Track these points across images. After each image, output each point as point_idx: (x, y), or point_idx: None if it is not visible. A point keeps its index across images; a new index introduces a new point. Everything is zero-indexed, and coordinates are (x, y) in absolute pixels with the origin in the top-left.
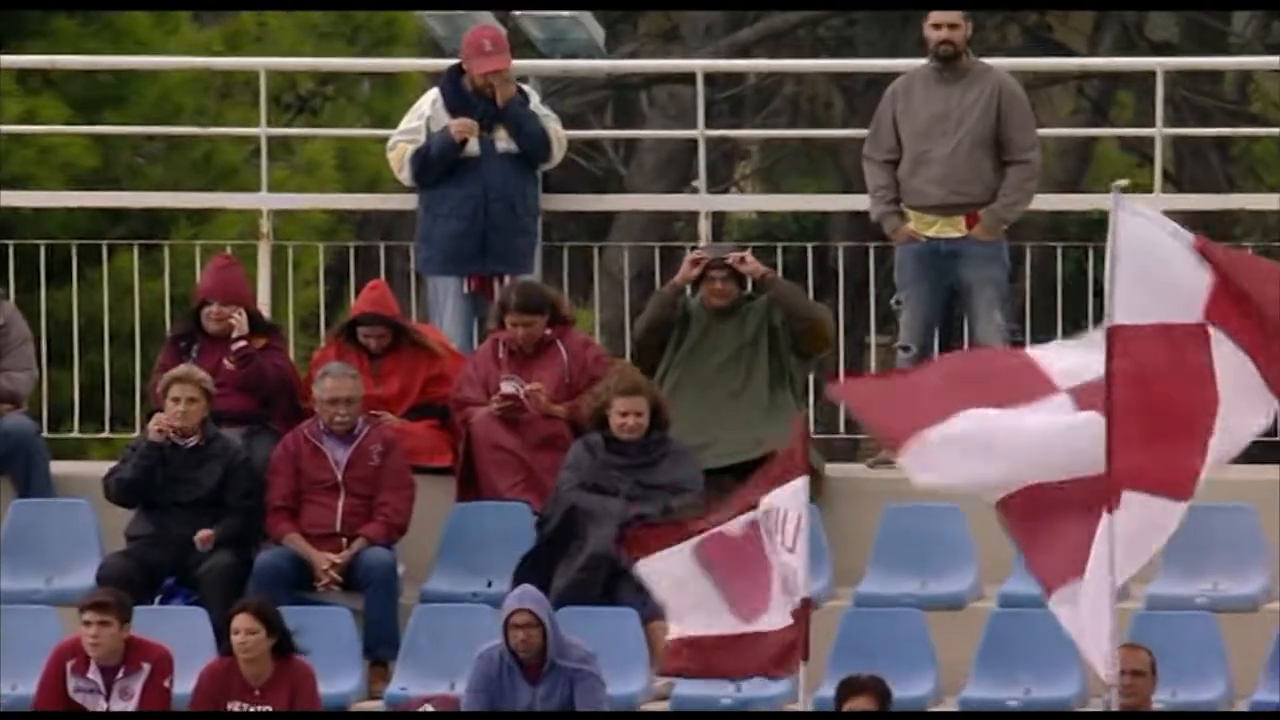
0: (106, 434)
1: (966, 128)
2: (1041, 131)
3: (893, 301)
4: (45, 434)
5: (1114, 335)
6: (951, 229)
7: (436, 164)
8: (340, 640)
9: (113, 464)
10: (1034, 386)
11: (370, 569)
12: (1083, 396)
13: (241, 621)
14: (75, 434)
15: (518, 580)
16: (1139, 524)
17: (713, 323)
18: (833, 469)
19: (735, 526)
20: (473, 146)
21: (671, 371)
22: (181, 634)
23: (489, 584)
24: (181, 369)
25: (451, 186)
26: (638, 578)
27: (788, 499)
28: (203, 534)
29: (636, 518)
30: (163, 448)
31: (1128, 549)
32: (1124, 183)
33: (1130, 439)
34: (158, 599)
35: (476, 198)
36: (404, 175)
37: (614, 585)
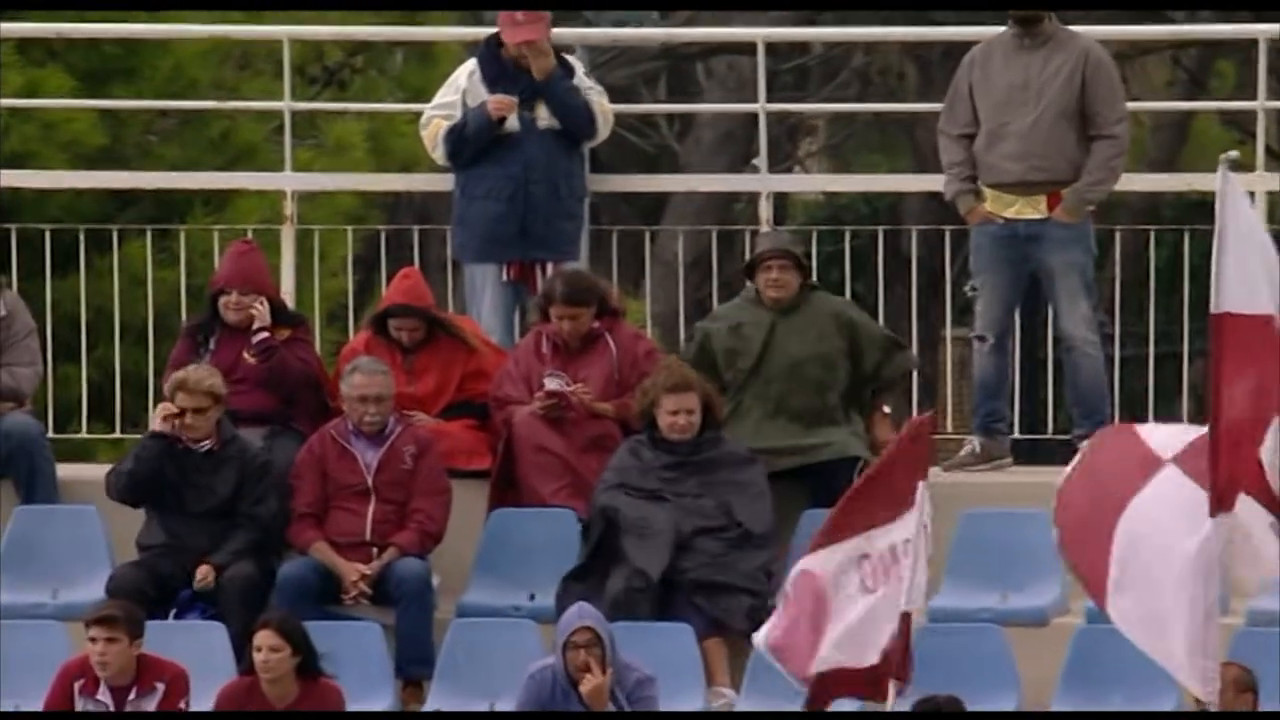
0: (116, 434)
1: (1048, 99)
2: (1133, 105)
3: (967, 288)
4: (50, 434)
5: (1221, 324)
6: (1032, 210)
7: (472, 142)
8: (370, 658)
9: None
10: (1144, 462)
11: (402, 581)
12: (1186, 460)
13: (264, 638)
14: (82, 434)
15: (563, 599)
16: (1252, 526)
17: (776, 320)
18: None
19: (824, 565)
20: (512, 123)
21: (734, 387)
22: (198, 651)
23: (531, 597)
24: (185, 372)
25: (489, 166)
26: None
27: (903, 530)
28: (201, 570)
29: (695, 532)
30: (171, 442)
31: (1248, 556)
32: (1234, 155)
33: (1240, 440)
34: (172, 613)
35: (516, 178)
36: (437, 154)
37: (668, 600)
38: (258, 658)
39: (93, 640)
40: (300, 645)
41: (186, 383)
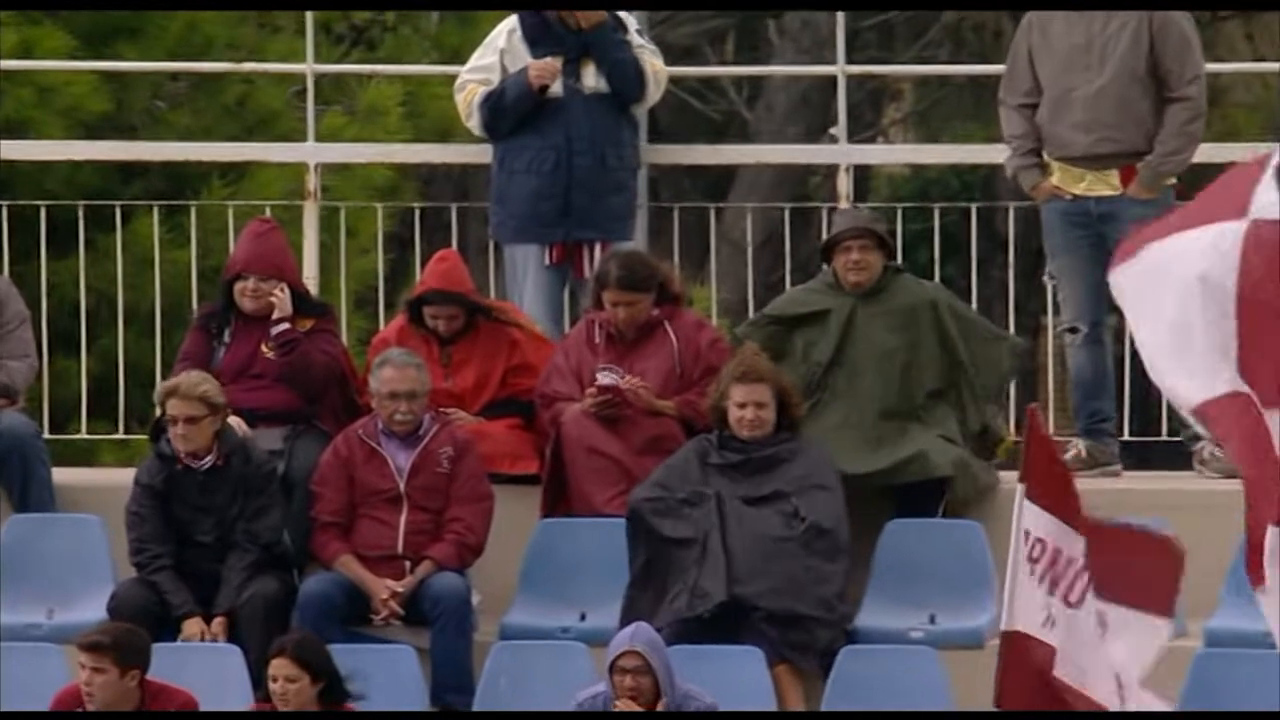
0: (120, 434)
1: (1114, 60)
2: (1213, 67)
3: (1045, 275)
4: (46, 435)
5: None
6: (1104, 185)
7: (511, 111)
8: (403, 685)
9: (129, 470)
10: None
11: (439, 599)
12: None
13: (279, 667)
14: (82, 435)
15: (629, 612)
16: None
17: (856, 306)
18: (1001, 478)
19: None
20: (555, 88)
21: (809, 383)
22: (212, 677)
23: (582, 617)
24: (175, 380)
25: (528, 136)
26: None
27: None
28: (190, 629)
29: (762, 547)
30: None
31: None
32: None
33: None
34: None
35: (558, 148)
36: (472, 123)
37: (734, 620)
38: (273, 688)
39: (82, 666)
40: (321, 671)
41: (178, 389)
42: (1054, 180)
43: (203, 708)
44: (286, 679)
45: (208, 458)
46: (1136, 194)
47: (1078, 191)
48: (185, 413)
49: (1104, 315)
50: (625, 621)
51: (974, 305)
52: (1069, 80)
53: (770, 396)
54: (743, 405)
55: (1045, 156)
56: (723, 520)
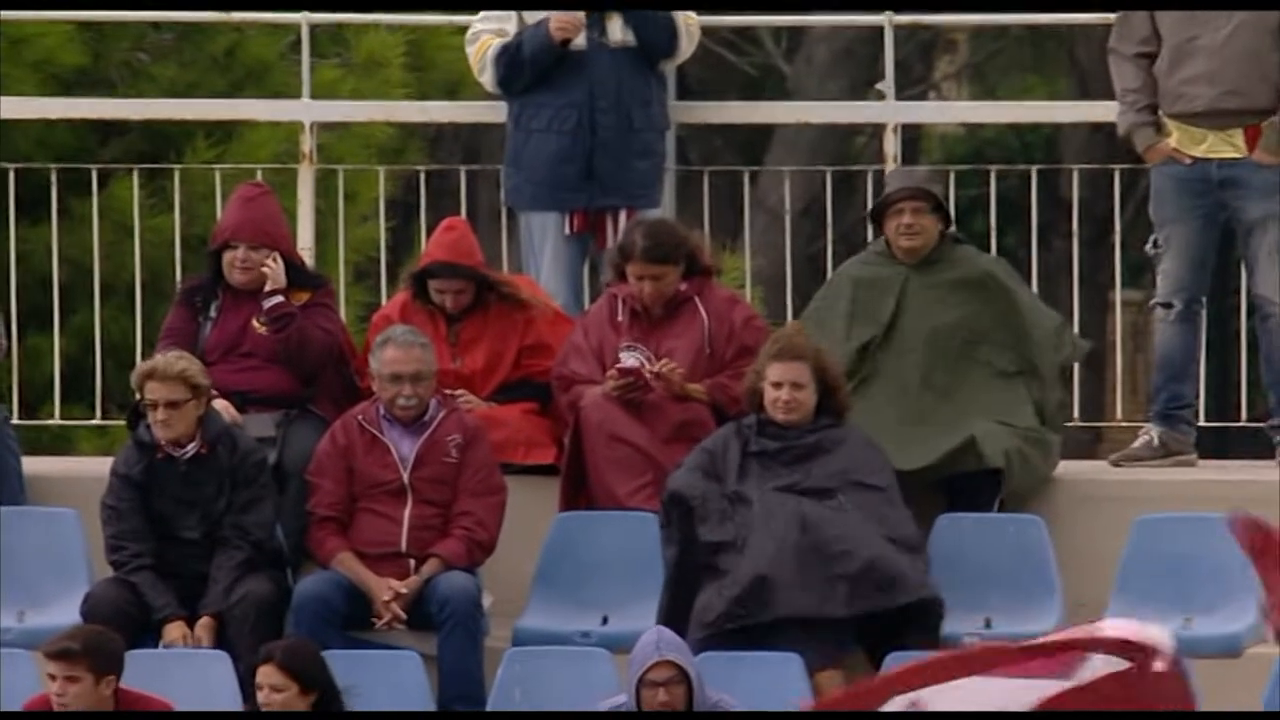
0: (98, 420)
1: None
2: None
3: (1148, 245)
4: (16, 421)
5: None
6: (1227, 146)
7: (529, 66)
8: (407, 694)
9: (107, 460)
10: None
11: (446, 600)
12: None
13: (265, 675)
14: (56, 420)
15: (670, 619)
16: None
17: (910, 277)
18: (1065, 468)
19: None
20: (578, 40)
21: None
22: (197, 686)
23: (604, 620)
24: (154, 361)
25: (548, 93)
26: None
27: None
28: (172, 632)
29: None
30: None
31: None
32: None
33: None
34: (163, 640)
35: (580, 107)
36: (485, 78)
37: (770, 624)
38: (260, 697)
39: (51, 678)
40: (313, 682)
41: (156, 370)
42: (1171, 141)
43: None
44: (273, 688)
45: (190, 445)
46: (1261, 159)
47: (1197, 154)
48: (165, 396)
49: (1203, 293)
50: (669, 623)
51: (1034, 278)
52: (1192, 28)
53: (810, 377)
54: (778, 385)
55: (1161, 114)
56: (761, 516)
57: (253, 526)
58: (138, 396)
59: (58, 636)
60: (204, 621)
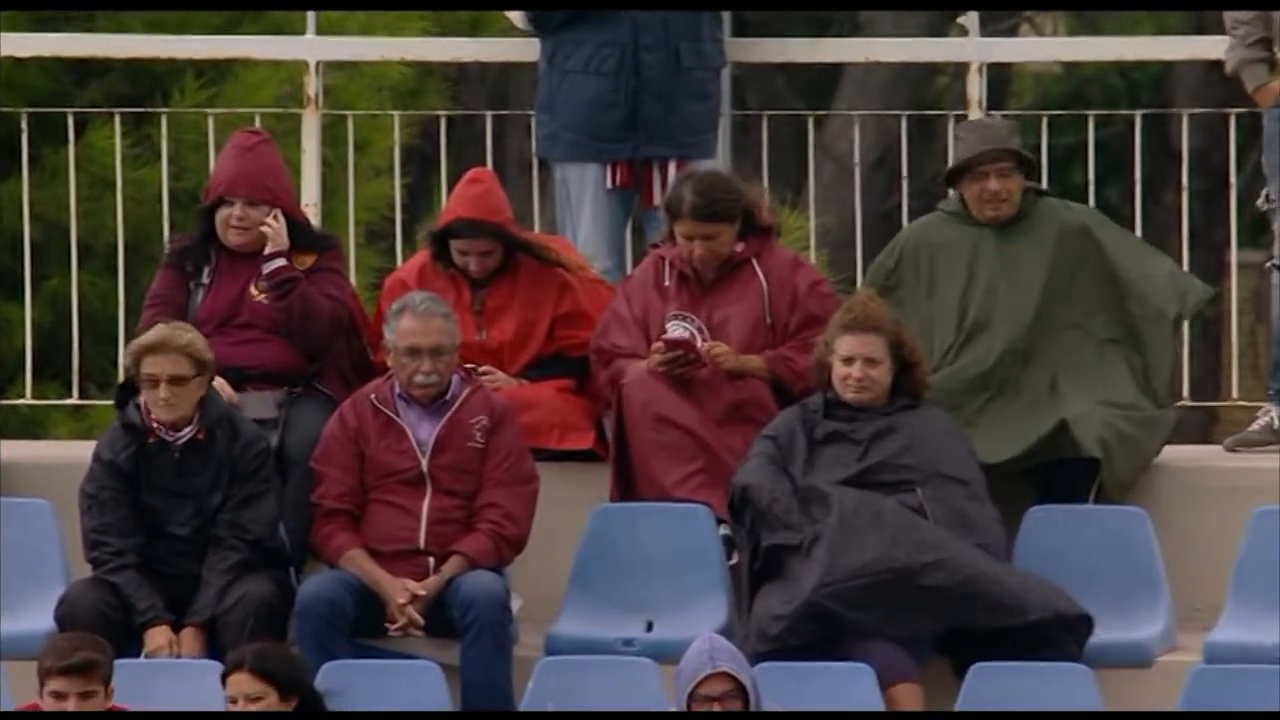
0: (74, 399)
1: None
2: None
3: (1260, 200)
4: None
5: None
6: None
7: None
8: (427, 709)
9: (86, 444)
10: None
11: (470, 604)
12: None
13: (238, 684)
14: (28, 400)
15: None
16: None
17: (989, 241)
18: (1173, 454)
19: None
20: None
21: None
22: (185, 698)
23: (648, 627)
24: (158, 332)
25: (587, 28)
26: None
27: None
28: (156, 638)
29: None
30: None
31: None
32: None
33: None
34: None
35: (623, 45)
36: (516, 14)
37: (838, 630)
38: (232, 710)
39: (58, 696)
40: (292, 685)
41: (160, 342)
42: None
43: None
44: (248, 698)
45: (187, 429)
46: None
47: None
48: (170, 371)
49: None
50: (752, 626)
51: (1139, 235)
52: None
53: (886, 352)
54: (849, 360)
55: (1275, 50)
56: (833, 510)
57: (251, 524)
58: (131, 371)
59: (58, 647)
60: (188, 632)
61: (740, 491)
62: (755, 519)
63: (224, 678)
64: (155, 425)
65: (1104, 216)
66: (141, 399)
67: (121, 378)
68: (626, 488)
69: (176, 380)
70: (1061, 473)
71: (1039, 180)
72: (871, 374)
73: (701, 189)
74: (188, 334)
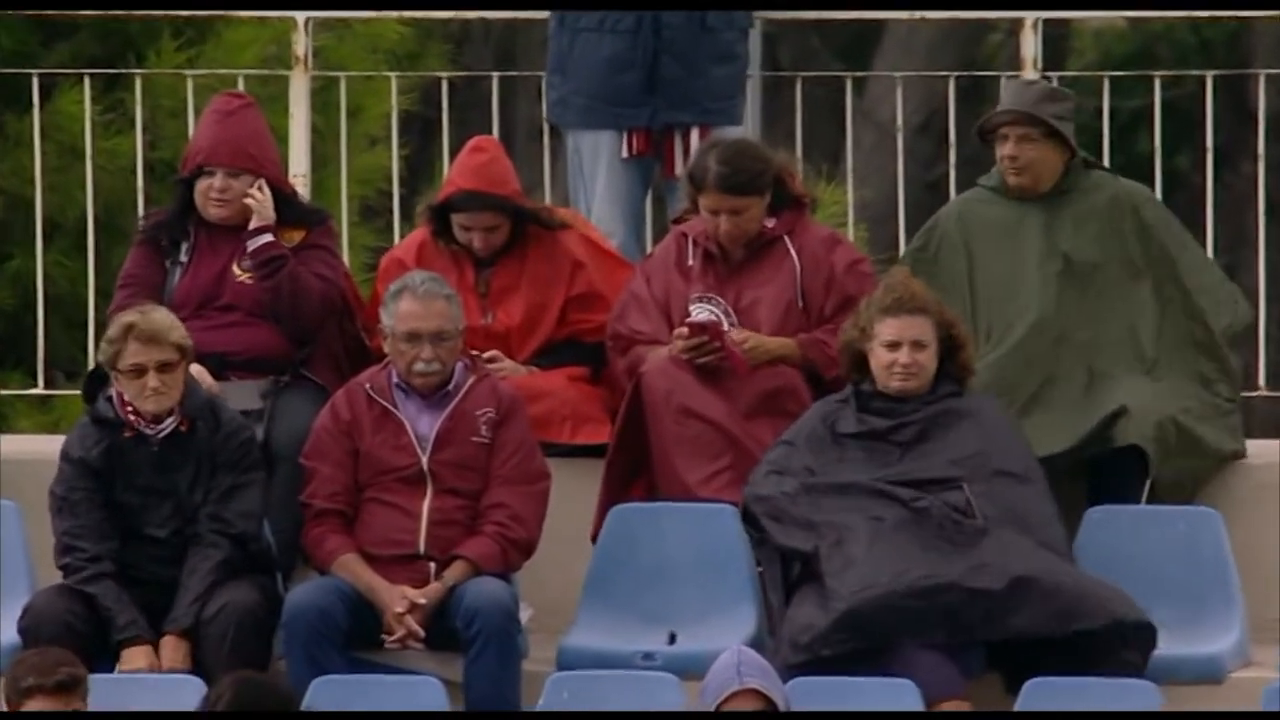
0: (40, 390)
1: None
2: None
3: None
4: None
5: None
6: None
7: None
8: None
9: (54, 439)
10: None
11: (475, 614)
12: None
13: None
14: None
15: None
16: None
17: (1033, 216)
18: (1251, 450)
19: None
20: None
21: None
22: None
23: (671, 639)
24: (144, 315)
25: None
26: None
27: None
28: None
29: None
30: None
31: None
32: None
33: None
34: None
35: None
36: None
37: (877, 640)
38: None
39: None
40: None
41: (148, 329)
42: None
43: None
44: None
45: (169, 421)
46: None
47: None
48: (158, 359)
49: None
50: (783, 636)
51: (1210, 209)
52: None
53: (932, 335)
54: (894, 345)
55: None
56: (868, 517)
57: (236, 518)
58: (108, 358)
59: (39, 666)
60: (168, 641)
61: (743, 507)
62: (771, 526)
63: (206, 710)
64: (132, 418)
65: (1164, 212)
66: (113, 390)
67: (91, 366)
68: (627, 486)
69: (166, 367)
70: (1112, 469)
71: (1096, 151)
72: (919, 359)
73: (728, 158)
74: (171, 316)
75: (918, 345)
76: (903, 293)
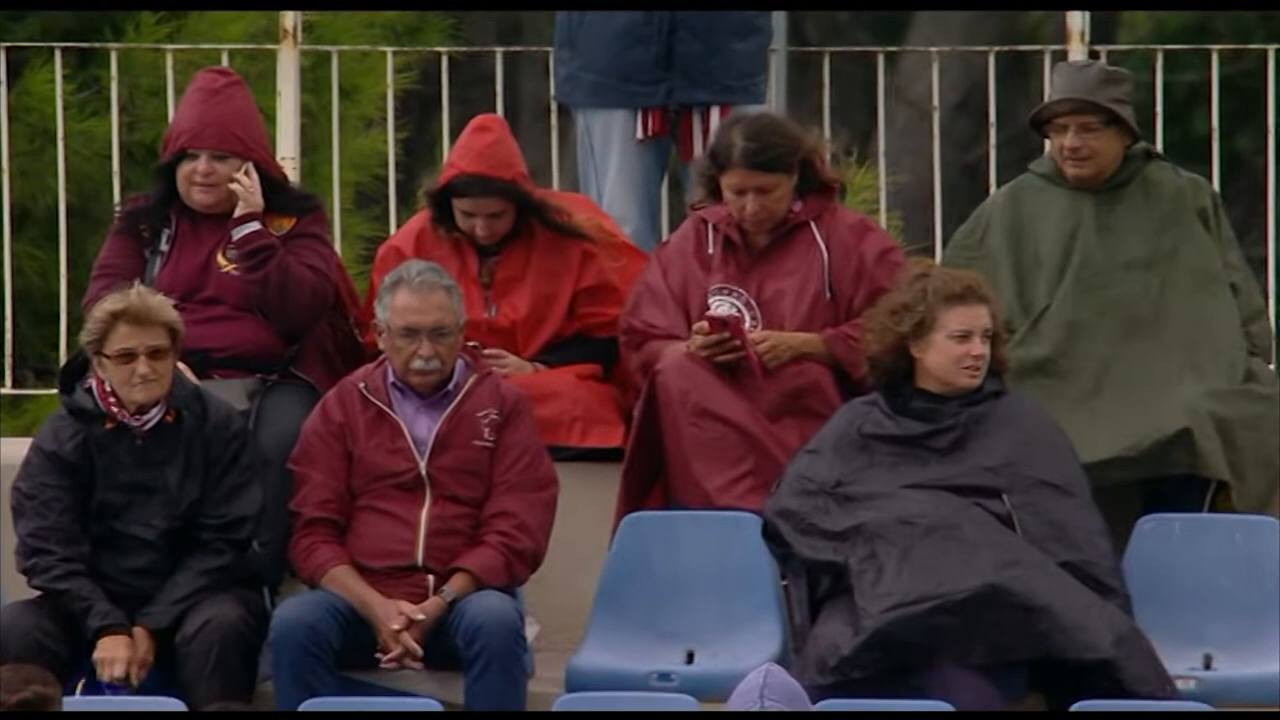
0: (8, 389)
1: None
2: None
3: None
4: None
5: None
6: None
7: None
8: None
9: (22, 443)
10: None
11: (477, 630)
12: None
13: None
14: None
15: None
16: None
17: (1090, 207)
18: None
19: None
20: None
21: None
22: None
23: (689, 658)
24: (127, 298)
25: None
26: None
27: None
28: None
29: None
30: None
31: None
32: None
33: None
34: (81, 683)
35: None
36: None
37: (909, 660)
38: None
39: None
40: None
41: (143, 310)
42: None
43: None
44: None
45: (154, 411)
46: None
47: None
48: (148, 343)
49: None
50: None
51: (1271, 193)
52: None
53: (994, 326)
54: (965, 337)
55: None
56: (905, 525)
57: (240, 523)
58: (91, 344)
59: (7, 683)
60: (140, 633)
61: (774, 516)
62: (796, 539)
63: None
64: (115, 409)
65: (1219, 198)
66: (93, 380)
67: (65, 357)
68: (644, 493)
69: (157, 353)
70: (1171, 477)
71: (1149, 131)
72: (986, 352)
73: (755, 132)
74: (159, 297)
75: (985, 333)
76: (969, 280)
